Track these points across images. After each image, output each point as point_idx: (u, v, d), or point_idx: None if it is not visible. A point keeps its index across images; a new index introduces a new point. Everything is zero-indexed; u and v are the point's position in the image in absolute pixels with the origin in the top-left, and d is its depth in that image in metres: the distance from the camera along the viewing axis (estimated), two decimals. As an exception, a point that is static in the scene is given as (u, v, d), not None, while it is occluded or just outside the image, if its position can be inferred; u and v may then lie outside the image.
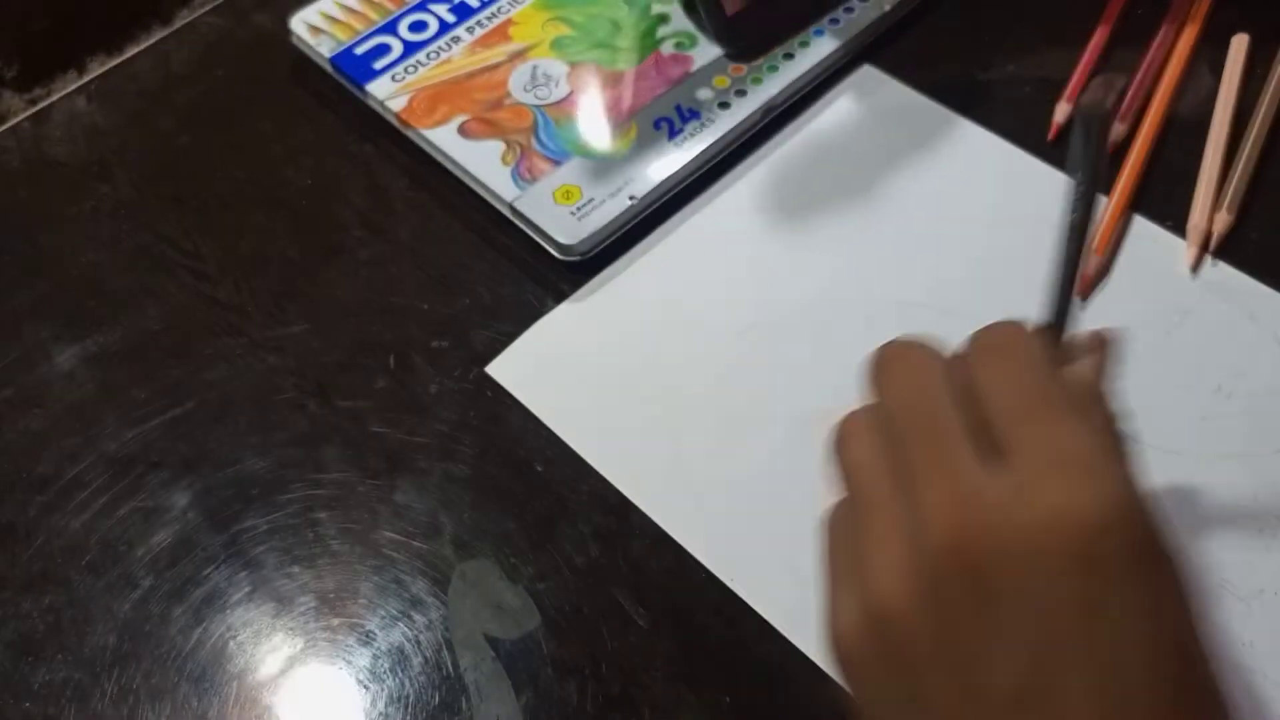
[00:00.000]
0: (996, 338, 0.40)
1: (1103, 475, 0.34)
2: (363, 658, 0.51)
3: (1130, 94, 0.65)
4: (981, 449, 0.36)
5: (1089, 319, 0.57)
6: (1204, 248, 0.59)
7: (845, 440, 0.41)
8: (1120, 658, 0.33)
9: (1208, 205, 0.60)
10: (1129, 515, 0.34)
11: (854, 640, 0.37)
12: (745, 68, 0.67)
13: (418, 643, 0.51)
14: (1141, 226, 0.60)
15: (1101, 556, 0.33)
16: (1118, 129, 0.64)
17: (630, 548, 0.53)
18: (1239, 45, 0.66)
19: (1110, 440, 0.37)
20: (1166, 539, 0.35)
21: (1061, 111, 0.65)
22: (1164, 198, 0.61)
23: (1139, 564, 0.34)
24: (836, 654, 0.38)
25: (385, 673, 0.51)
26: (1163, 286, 0.58)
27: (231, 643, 0.52)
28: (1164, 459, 0.53)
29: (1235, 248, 0.59)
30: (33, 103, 0.74)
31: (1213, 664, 0.35)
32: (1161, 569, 0.34)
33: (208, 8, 0.76)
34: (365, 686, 0.50)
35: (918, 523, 0.36)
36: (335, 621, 0.52)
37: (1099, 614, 0.33)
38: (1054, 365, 0.39)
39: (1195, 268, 0.59)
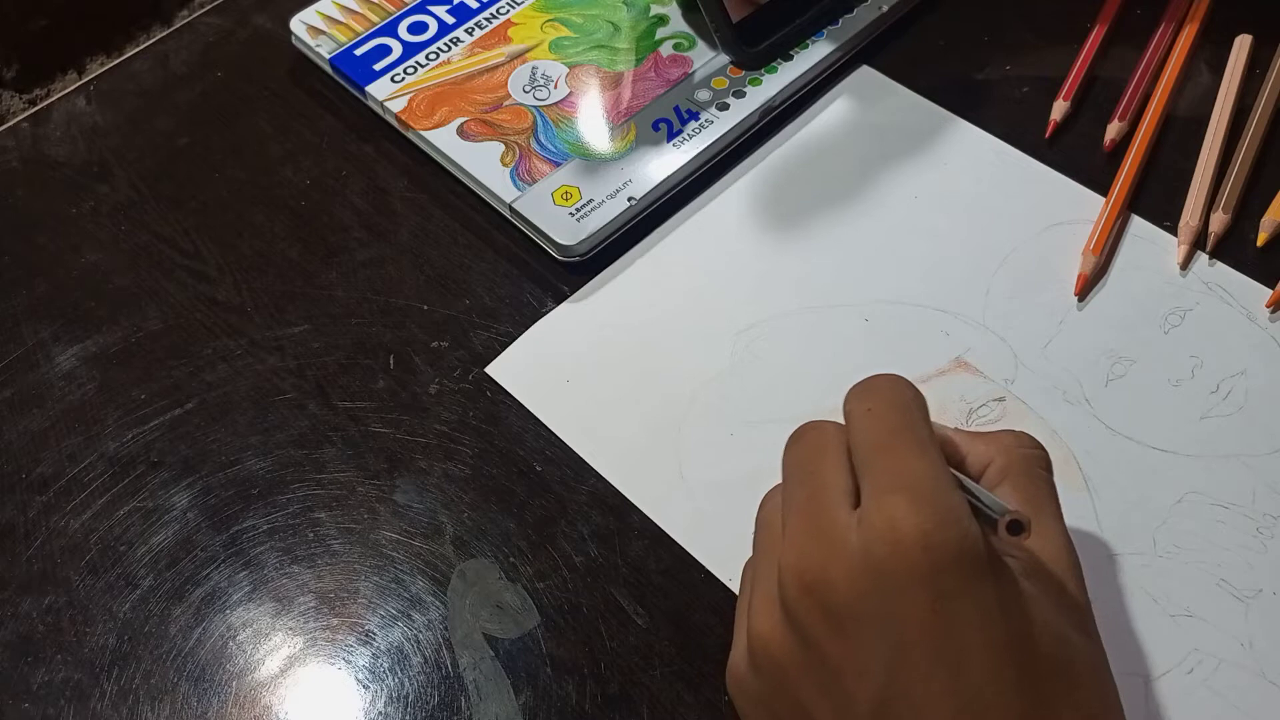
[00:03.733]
0: (866, 385, 0.44)
1: (935, 497, 0.38)
2: (362, 657, 0.51)
3: (1128, 94, 0.65)
4: (847, 493, 0.41)
5: (1087, 320, 0.57)
6: (1196, 246, 0.59)
7: (760, 507, 0.46)
8: (966, 659, 0.37)
9: (1200, 205, 0.60)
10: (961, 529, 0.37)
11: (739, 674, 0.43)
12: (743, 69, 0.67)
13: (417, 642, 0.51)
14: (1139, 227, 0.60)
15: (938, 568, 0.37)
16: (1116, 126, 0.64)
17: (629, 547, 0.53)
18: (1241, 46, 0.66)
19: (942, 470, 0.40)
20: (996, 552, 0.38)
21: (1058, 109, 0.65)
22: (1162, 198, 0.61)
23: (974, 571, 0.37)
24: (729, 688, 0.44)
25: (385, 672, 0.51)
26: (1160, 287, 0.58)
27: (231, 643, 0.52)
28: (1162, 459, 0.53)
29: (1233, 248, 0.60)
30: (32, 103, 0.74)
31: (1069, 651, 0.38)
32: (998, 573, 0.38)
33: (207, 8, 0.76)
34: (365, 686, 0.50)
35: (781, 561, 0.40)
36: (335, 621, 0.52)
37: (941, 621, 0.37)
38: (914, 407, 0.42)
39: (1185, 266, 0.59)
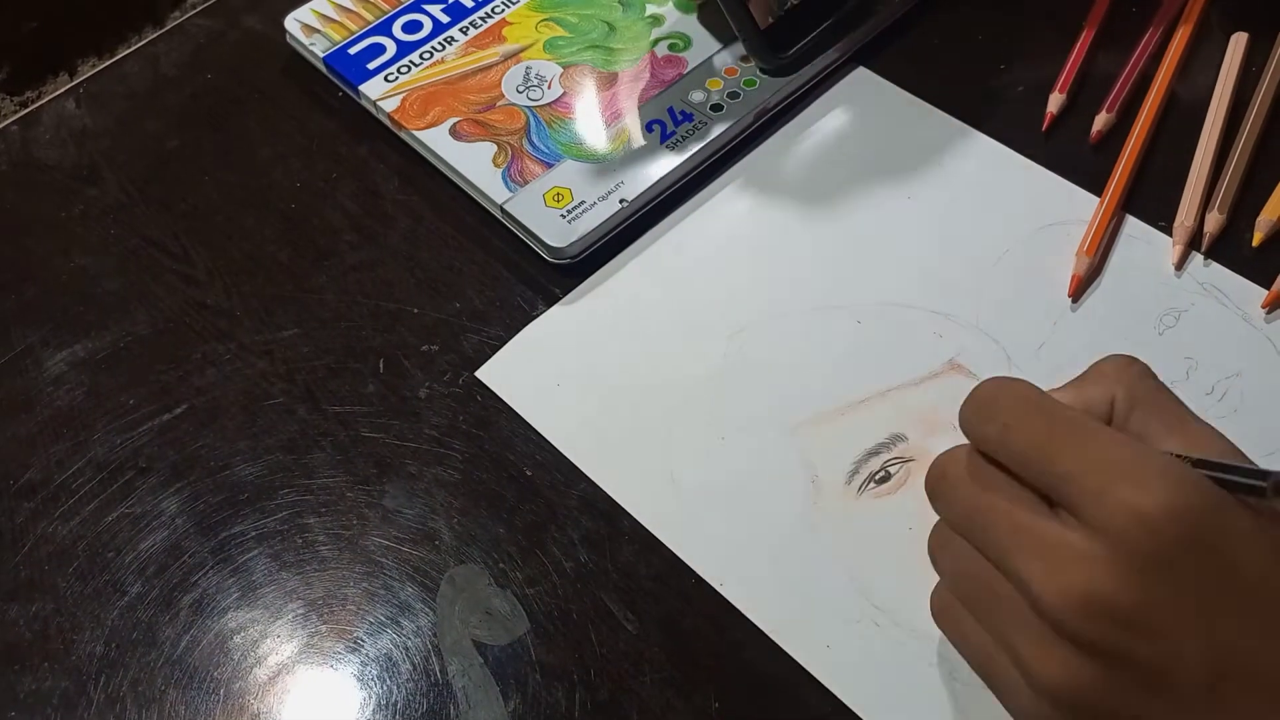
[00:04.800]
0: (980, 402, 0.43)
1: (1146, 467, 0.37)
2: (350, 664, 0.51)
3: (1118, 86, 0.65)
4: (1039, 506, 0.40)
5: (1081, 321, 0.57)
6: (1191, 247, 0.59)
7: (934, 554, 0.45)
8: (1270, 592, 0.37)
9: (1196, 205, 0.59)
10: (1188, 481, 0.37)
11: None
12: (738, 69, 0.67)
13: (406, 649, 0.51)
14: (1134, 227, 0.60)
15: (1200, 528, 0.36)
16: (1104, 118, 0.64)
17: (620, 553, 0.53)
18: (1237, 44, 0.66)
19: (1126, 439, 0.39)
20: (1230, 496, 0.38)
21: (1054, 102, 0.65)
22: (1157, 198, 0.61)
23: (1228, 513, 0.37)
24: None
25: (373, 679, 0.50)
26: (1155, 288, 0.58)
27: (219, 650, 0.51)
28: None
29: (1228, 247, 0.59)
30: (23, 105, 0.74)
31: None
32: (1240, 506, 0.38)
33: (197, 9, 0.75)
34: (353, 693, 0.50)
35: (1039, 601, 0.38)
36: (323, 628, 0.52)
37: (1229, 573, 0.37)
38: (1044, 398, 0.41)
39: (1180, 266, 0.58)
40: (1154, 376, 0.43)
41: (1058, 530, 0.38)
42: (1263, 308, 0.56)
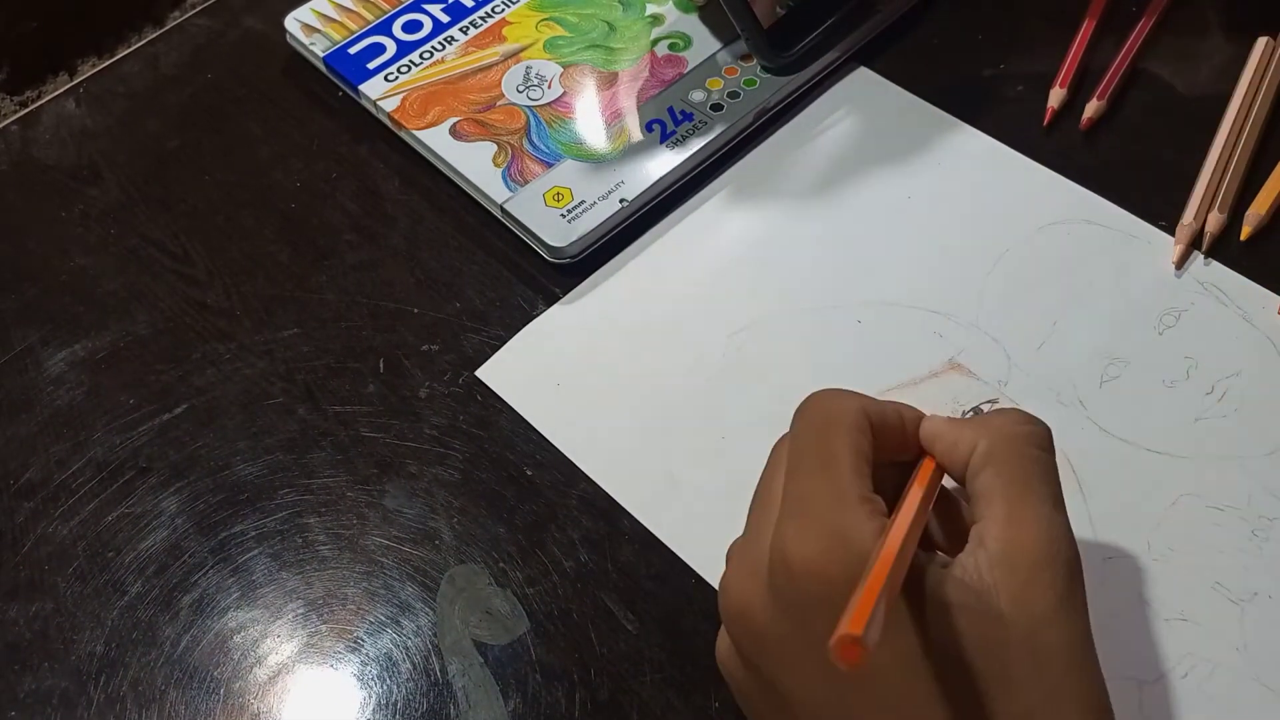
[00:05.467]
0: (803, 404, 0.44)
1: (822, 519, 0.39)
2: (350, 664, 0.51)
3: (1110, 74, 0.65)
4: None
5: (1081, 321, 0.57)
6: (1192, 247, 0.59)
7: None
8: (878, 679, 0.38)
9: (1203, 205, 0.59)
10: (848, 552, 0.38)
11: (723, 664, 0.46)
12: (739, 69, 0.67)
13: (406, 649, 0.51)
14: (1135, 226, 0.60)
15: (824, 589, 0.38)
16: (1095, 105, 0.64)
17: (620, 553, 0.53)
18: (1261, 48, 0.65)
19: (844, 488, 0.40)
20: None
21: (1055, 97, 0.65)
22: (1156, 196, 0.61)
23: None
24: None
25: (373, 679, 0.50)
26: (1155, 287, 0.58)
27: (219, 650, 0.51)
28: (1156, 461, 0.52)
29: (1228, 247, 0.59)
30: (23, 105, 0.74)
31: (1002, 655, 0.38)
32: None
33: (197, 9, 0.75)
34: (353, 693, 0.50)
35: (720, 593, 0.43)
36: (323, 627, 0.52)
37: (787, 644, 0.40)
38: (836, 424, 0.42)
39: (1180, 265, 0.58)
40: (1036, 443, 0.42)
41: (757, 538, 0.41)
42: (1279, 313, 0.57)
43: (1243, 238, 0.59)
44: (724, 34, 0.68)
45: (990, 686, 0.37)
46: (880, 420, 0.43)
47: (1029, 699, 0.37)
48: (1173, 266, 0.58)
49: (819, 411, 0.43)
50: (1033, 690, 0.37)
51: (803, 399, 0.44)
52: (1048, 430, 0.43)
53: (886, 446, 0.43)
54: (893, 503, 0.41)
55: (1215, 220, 0.58)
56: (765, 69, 0.66)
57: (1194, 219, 0.59)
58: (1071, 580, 0.39)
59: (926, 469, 0.43)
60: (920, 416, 0.45)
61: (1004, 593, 0.38)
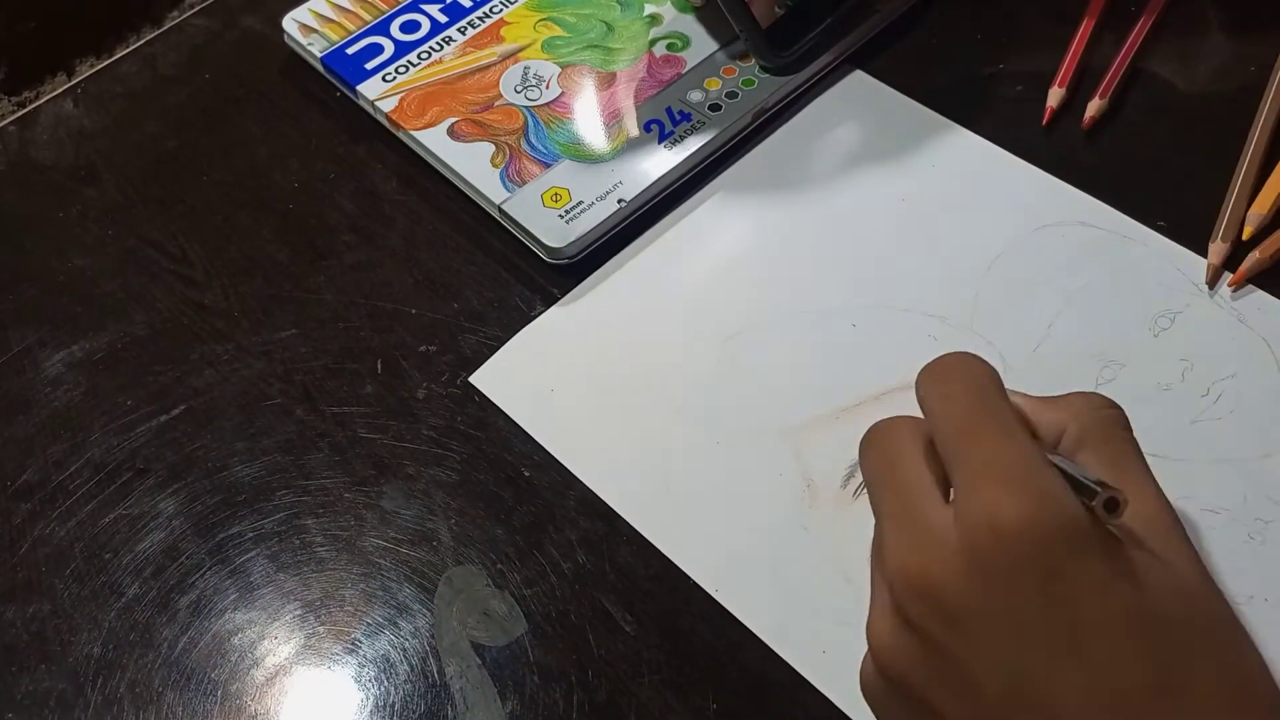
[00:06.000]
0: (938, 367, 0.43)
1: (1029, 480, 0.37)
2: (348, 665, 0.51)
3: (1111, 73, 0.65)
4: (932, 488, 0.40)
5: (1076, 323, 0.57)
6: (1224, 268, 0.58)
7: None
8: (1087, 637, 0.36)
9: (1235, 223, 0.59)
10: (1061, 509, 0.37)
11: (869, 681, 0.42)
12: (737, 69, 0.67)
13: (403, 650, 0.51)
14: (1129, 226, 0.60)
15: (1045, 552, 0.36)
16: (1096, 104, 0.64)
17: (618, 554, 0.53)
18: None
19: (1033, 450, 0.39)
20: (1103, 527, 0.38)
21: (1054, 96, 0.65)
22: (1153, 196, 0.61)
23: (1080, 549, 0.37)
24: (864, 695, 0.43)
25: (370, 681, 0.50)
26: (1151, 289, 0.58)
27: (217, 652, 0.51)
28: (1152, 463, 0.52)
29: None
30: (21, 105, 0.73)
31: (1192, 612, 0.38)
32: (1105, 547, 0.37)
33: (195, 9, 0.75)
34: (351, 694, 0.50)
35: (886, 569, 0.40)
36: (321, 629, 0.52)
37: (1056, 604, 0.36)
38: (991, 386, 0.42)
39: (1213, 285, 0.58)
40: (1122, 425, 0.43)
41: (928, 510, 0.39)
42: (1230, 286, 0.57)
43: (1245, 237, 0.58)
44: (722, 34, 0.68)
45: (1185, 653, 0.37)
46: None
47: (1228, 674, 0.37)
48: (1170, 268, 0.58)
49: (972, 372, 0.42)
50: (1230, 666, 0.38)
51: (930, 363, 0.44)
52: (1123, 411, 0.44)
53: None
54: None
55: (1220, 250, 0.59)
56: (764, 69, 0.66)
57: (1229, 236, 0.58)
58: (1193, 544, 0.40)
59: None
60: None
61: (1155, 566, 0.38)
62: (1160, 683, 0.36)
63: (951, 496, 0.40)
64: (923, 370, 0.44)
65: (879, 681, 0.41)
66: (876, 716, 0.43)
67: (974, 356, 0.43)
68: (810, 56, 0.67)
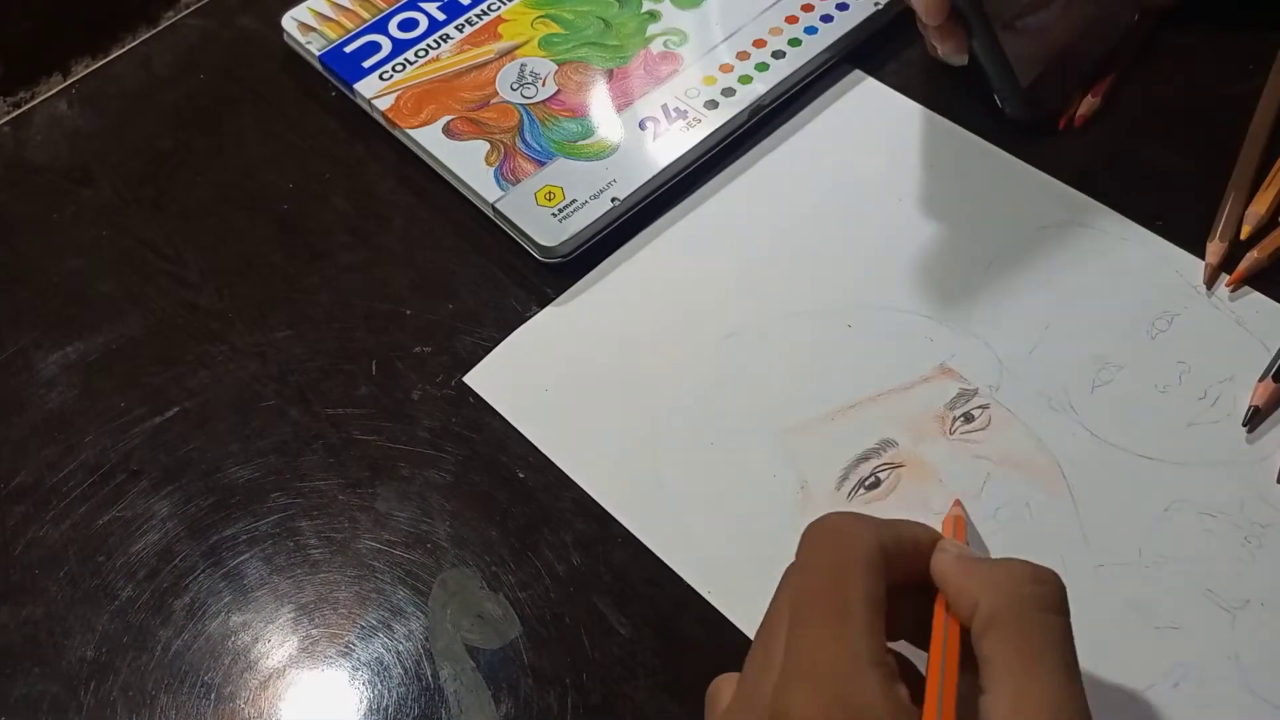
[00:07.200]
0: (814, 527, 0.42)
1: (836, 687, 0.36)
2: (342, 668, 0.51)
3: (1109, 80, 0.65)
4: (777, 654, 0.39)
5: (1073, 325, 0.57)
6: (1220, 269, 0.58)
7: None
8: None
9: (1233, 224, 0.59)
10: None
11: None
12: (734, 66, 0.66)
13: (398, 653, 0.51)
14: (1128, 229, 0.60)
15: None
16: (1089, 101, 0.64)
17: (612, 556, 0.53)
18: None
19: (853, 651, 0.37)
20: None
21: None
22: (1153, 198, 0.61)
23: None
24: None
25: (364, 684, 0.50)
26: (1148, 291, 0.57)
27: (211, 654, 0.51)
28: (1148, 467, 0.52)
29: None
30: (16, 105, 0.73)
31: None
32: None
33: (191, 9, 0.75)
34: (345, 698, 0.50)
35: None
36: (315, 632, 0.52)
37: None
38: (864, 565, 0.39)
39: (1210, 285, 0.57)
40: (1044, 607, 0.38)
41: (756, 689, 0.39)
42: (1227, 286, 0.57)
43: (1243, 237, 0.58)
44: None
45: None
46: (896, 549, 0.40)
47: None
48: (1167, 270, 0.58)
49: (829, 549, 0.40)
50: None
51: (809, 524, 0.42)
52: (1059, 588, 0.39)
53: (900, 571, 0.41)
54: (910, 632, 0.41)
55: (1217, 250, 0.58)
56: (1023, 124, 0.64)
57: (1226, 237, 0.58)
58: None
59: (938, 633, 0.40)
60: (935, 539, 0.42)
61: None
62: None
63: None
64: (807, 528, 0.42)
65: None
66: None
67: (849, 522, 0.41)
68: (1063, 100, 0.65)
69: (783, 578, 0.42)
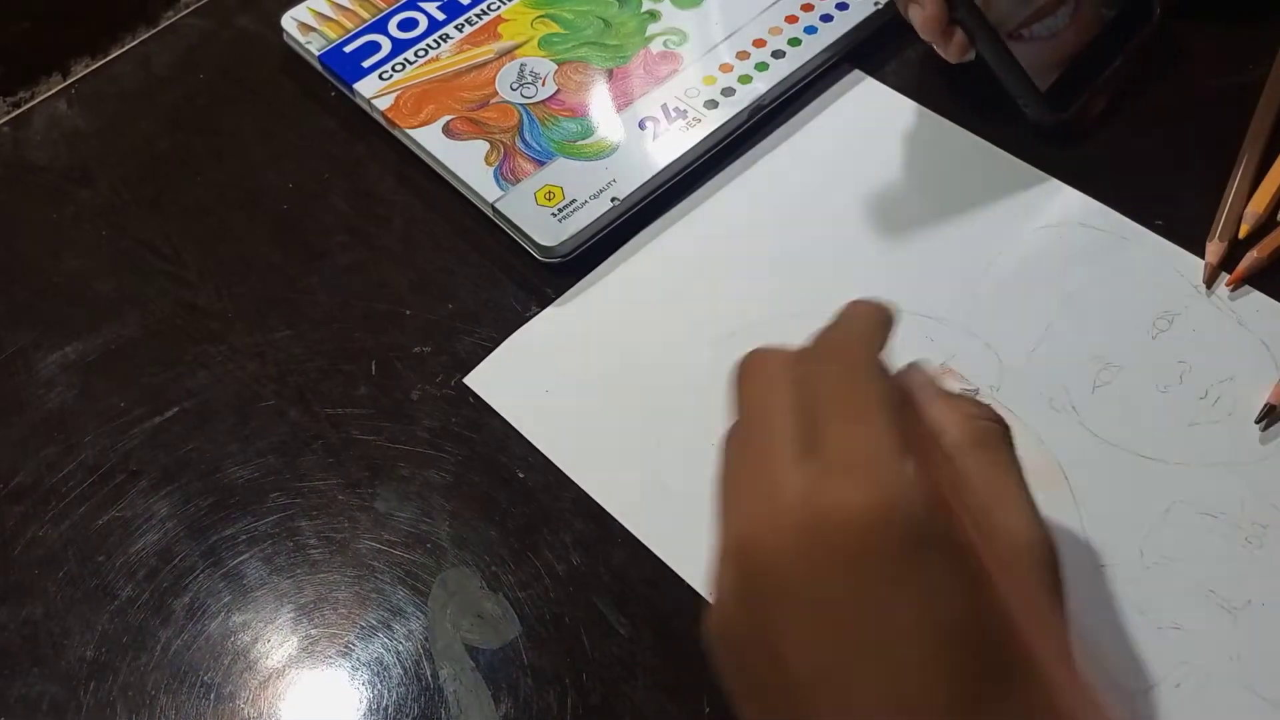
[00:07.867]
0: (834, 335, 0.42)
1: (883, 475, 0.37)
2: (342, 668, 0.51)
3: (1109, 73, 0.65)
4: (805, 448, 0.38)
5: (1074, 325, 0.57)
6: (1220, 268, 0.58)
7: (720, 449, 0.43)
8: (899, 642, 0.36)
9: (1231, 224, 0.59)
10: (908, 512, 0.36)
11: (709, 635, 0.41)
12: (734, 66, 0.66)
13: (397, 653, 0.51)
14: (1127, 228, 0.60)
15: (883, 552, 0.36)
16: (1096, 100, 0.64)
17: (612, 556, 0.53)
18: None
19: (896, 442, 0.38)
20: (946, 535, 0.37)
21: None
22: (1152, 198, 0.61)
23: (907, 558, 0.36)
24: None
25: (364, 684, 0.50)
26: (1149, 291, 0.57)
27: (210, 654, 0.51)
28: (1149, 467, 0.52)
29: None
30: (15, 105, 0.73)
31: (1012, 648, 0.37)
32: (933, 562, 0.36)
33: (190, 9, 0.75)
34: (344, 697, 0.50)
35: (727, 523, 0.40)
36: (315, 632, 0.52)
37: (879, 604, 0.36)
38: (876, 368, 0.40)
39: (1210, 285, 0.57)
40: (1000, 436, 0.42)
41: (781, 475, 0.38)
42: (1227, 286, 0.57)
43: (1241, 235, 0.58)
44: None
45: (990, 684, 0.37)
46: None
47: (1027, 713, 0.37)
48: (1167, 269, 0.58)
49: (860, 332, 0.42)
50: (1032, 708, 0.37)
51: (842, 307, 0.43)
52: (1008, 428, 0.42)
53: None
54: None
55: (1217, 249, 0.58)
56: (1034, 126, 0.63)
57: (1225, 236, 0.58)
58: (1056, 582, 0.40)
59: None
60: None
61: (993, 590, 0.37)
62: (953, 707, 0.36)
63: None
64: (818, 336, 0.43)
65: (712, 633, 0.41)
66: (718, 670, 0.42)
67: (873, 310, 0.43)
68: (1079, 95, 0.64)
69: (755, 368, 0.43)
